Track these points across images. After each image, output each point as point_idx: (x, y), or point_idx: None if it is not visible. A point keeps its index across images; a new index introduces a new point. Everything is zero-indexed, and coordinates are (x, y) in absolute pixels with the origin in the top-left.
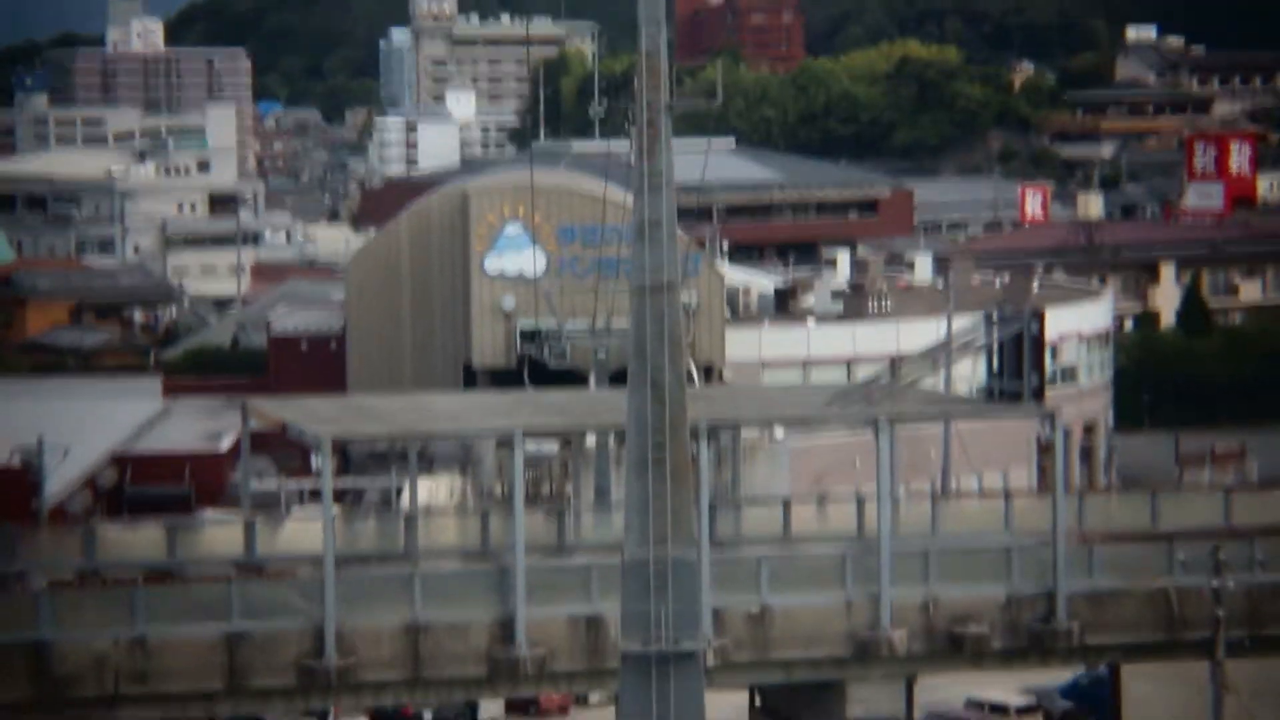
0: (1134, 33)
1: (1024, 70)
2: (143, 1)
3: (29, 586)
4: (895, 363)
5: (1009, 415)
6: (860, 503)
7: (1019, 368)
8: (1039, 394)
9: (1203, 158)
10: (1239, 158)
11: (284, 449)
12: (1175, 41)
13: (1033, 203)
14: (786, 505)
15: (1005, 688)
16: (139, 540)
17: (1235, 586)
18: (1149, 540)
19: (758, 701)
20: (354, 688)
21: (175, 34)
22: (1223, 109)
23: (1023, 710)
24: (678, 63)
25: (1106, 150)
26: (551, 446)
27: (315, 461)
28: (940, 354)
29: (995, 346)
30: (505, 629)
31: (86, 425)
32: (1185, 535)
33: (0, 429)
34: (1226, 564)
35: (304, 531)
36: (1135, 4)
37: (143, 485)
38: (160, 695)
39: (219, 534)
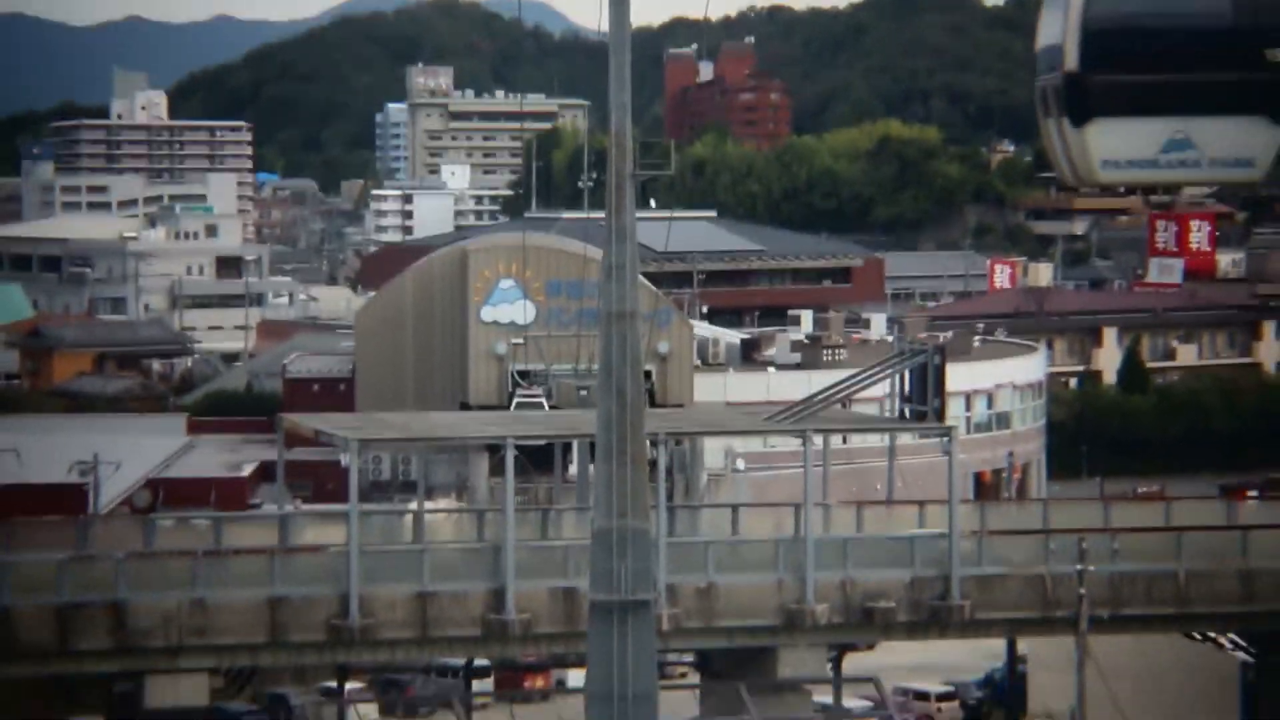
0: None
1: (1003, 150)
2: (148, 75)
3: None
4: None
5: (913, 429)
6: (797, 508)
7: (924, 393)
8: (940, 415)
9: (1164, 234)
10: (1198, 235)
11: (297, 479)
12: None
13: (1001, 275)
14: (735, 509)
15: (929, 680)
16: (190, 531)
17: (1097, 571)
18: (1029, 534)
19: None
20: (373, 644)
21: (174, 105)
22: (1191, 189)
23: (942, 697)
24: (667, 139)
25: (1079, 227)
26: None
27: (343, 459)
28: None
29: (906, 375)
30: (498, 598)
31: (122, 455)
32: (1061, 531)
33: (48, 457)
34: (1089, 553)
35: (326, 533)
36: None
37: (173, 506)
38: (215, 647)
39: (258, 527)
